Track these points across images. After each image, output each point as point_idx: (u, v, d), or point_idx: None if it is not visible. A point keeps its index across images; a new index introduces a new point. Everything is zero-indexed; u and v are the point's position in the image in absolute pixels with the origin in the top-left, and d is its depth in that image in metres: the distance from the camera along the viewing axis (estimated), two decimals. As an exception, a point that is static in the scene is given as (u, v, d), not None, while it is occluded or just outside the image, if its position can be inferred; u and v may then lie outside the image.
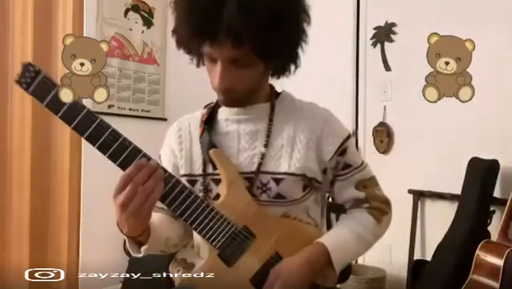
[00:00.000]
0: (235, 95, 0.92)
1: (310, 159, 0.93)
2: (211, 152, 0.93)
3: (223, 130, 0.98)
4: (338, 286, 1.04)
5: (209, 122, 1.00)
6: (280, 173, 0.92)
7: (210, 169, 0.96)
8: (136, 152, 0.79)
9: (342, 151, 0.96)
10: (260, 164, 0.93)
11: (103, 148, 0.78)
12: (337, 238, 0.94)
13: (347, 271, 1.08)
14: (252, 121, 0.96)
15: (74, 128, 0.77)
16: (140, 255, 0.88)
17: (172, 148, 1.02)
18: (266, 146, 0.94)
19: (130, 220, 0.79)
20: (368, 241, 0.97)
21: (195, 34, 0.85)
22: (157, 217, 0.96)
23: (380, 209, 0.99)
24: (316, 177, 0.95)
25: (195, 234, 0.99)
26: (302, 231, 0.96)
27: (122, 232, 0.84)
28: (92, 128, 0.77)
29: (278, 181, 0.92)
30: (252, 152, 0.95)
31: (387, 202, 1.02)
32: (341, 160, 0.97)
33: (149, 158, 0.79)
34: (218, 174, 0.94)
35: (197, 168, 0.98)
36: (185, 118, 1.07)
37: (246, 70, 0.88)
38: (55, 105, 0.75)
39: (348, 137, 0.98)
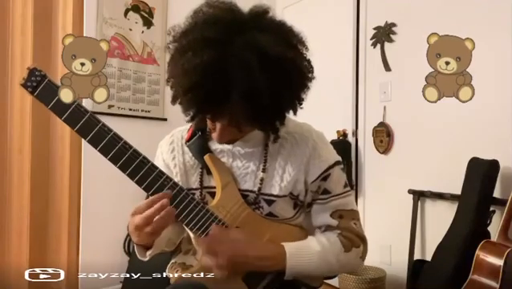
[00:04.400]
0: (233, 141, 0.95)
1: (299, 180, 0.96)
2: (206, 157, 0.96)
3: (216, 146, 0.99)
4: (337, 285, 1.04)
5: (201, 129, 1.01)
6: (272, 195, 0.95)
7: (206, 182, 0.98)
8: (136, 155, 0.83)
9: (325, 176, 0.97)
10: (260, 189, 0.95)
11: (104, 151, 0.81)
12: (300, 249, 0.94)
13: None
14: (247, 145, 0.97)
15: (77, 130, 0.80)
16: (146, 259, 0.93)
17: (166, 162, 1.03)
18: (264, 171, 0.96)
19: (142, 237, 0.83)
20: (330, 261, 0.95)
21: (197, 114, 0.83)
22: None
23: (351, 239, 0.97)
24: (300, 195, 0.98)
25: (193, 238, 1.02)
26: (291, 233, 0.98)
27: (131, 237, 0.89)
28: (94, 132, 0.80)
29: (269, 202, 0.95)
30: (244, 170, 0.97)
31: (361, 237, 0.99)
32: (322, 185, 0.98)
33: (156, 167, 0.84)
34: (214, 187, 0.97)
35: (194, 182, 1.00)
36: (178, 130, 1.07)
37: (245, 128, 0.88)
38: (60, 108, 0.78)
39: (335, 164, 0.98)
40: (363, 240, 1.00)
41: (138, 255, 0.93)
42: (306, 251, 0.94)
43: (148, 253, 0.91)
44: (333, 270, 1.00)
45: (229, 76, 0.75)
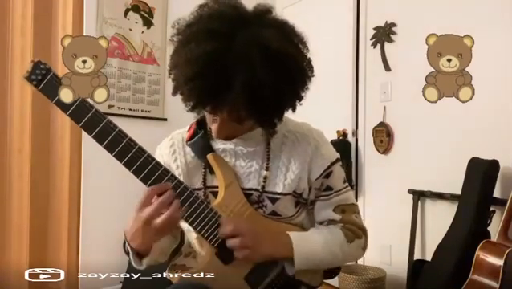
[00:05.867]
0: (231, 138, 0.96)
1: (302, 179, 0.97)
2: (209, 156, 0.97)
3: (218, 146, 0.99)
4: (337, 285, 1.05)
5: (203, 128, 1.01)
6: (276, 193, 0.96)
7: (209, 182, 0.99)
8: (142, 152, 0.82)
9: (327, 174, 0.99)
10: (264, 187, 0.96)
11: (109, 148, 0.81)
12: (303, 235, 0.98)
13: (337, 268, 1.12)
14: (249, 144, 0.97)
15: (82, 126, 0.79)
16: (142, 268, 0.91)
17: (167, 164, 1.02)
18: (267, 169, 0.97)
19: (149, 234, 0.83)
20: (334, 251, 0.98)
21: (197, 105, 0.83)
22: None
23: (354, 231, 1.01)
24: (304, 193, 0.99)
25: (193, 241, 1.02)
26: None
27: (129, 244, 0.87)
28: (100, 128, 0.79)
29: (273, 201, 0.96)
30: (248, 170, 0.98)
31: (363, 229, 1.04)
32: (325, 182, 1.00)
33: (161, 165, 0.84)
34: (217, 187, 0.97)
35: (196, 182, 1.00)
36: (177, 133, 1.07)
37: (245, 122, 0.88)
38: (65, 103, 0.76)
39: (336, 161, 1.01)
40: (364, 231, 1.04)
41: (133, 263, 0.91)
42: (310, 238, 0.97)
43: (145, 261, 0.91)
44: (337, 259, 1.01)
45: (231, 68, 0.76)
